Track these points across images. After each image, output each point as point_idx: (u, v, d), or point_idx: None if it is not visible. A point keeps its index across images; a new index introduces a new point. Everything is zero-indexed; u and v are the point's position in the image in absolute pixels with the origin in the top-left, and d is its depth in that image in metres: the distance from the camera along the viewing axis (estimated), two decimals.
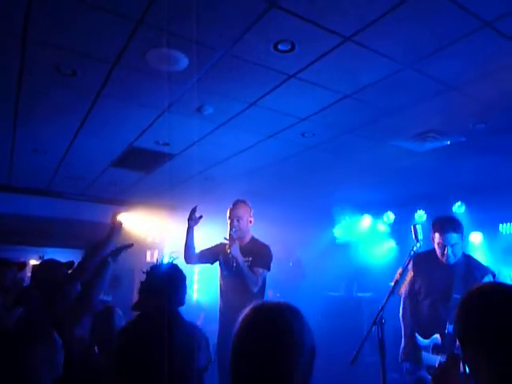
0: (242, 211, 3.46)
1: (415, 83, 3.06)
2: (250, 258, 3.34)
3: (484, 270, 3.14)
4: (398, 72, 2.91)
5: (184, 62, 2.81)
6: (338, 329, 5.38)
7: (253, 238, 3.54)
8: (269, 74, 2.96)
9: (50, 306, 2.47)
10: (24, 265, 3.09)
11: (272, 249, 3.53)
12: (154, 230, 6.32)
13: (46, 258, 3.25)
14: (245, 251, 3.35)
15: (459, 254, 3.15)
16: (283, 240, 6.28)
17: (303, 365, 1.14)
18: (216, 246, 3.65)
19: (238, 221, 3.42)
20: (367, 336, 2.19)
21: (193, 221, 3.62)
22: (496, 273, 3.16)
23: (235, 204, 3.53)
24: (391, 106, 3.48)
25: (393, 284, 2.48)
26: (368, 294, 6.00)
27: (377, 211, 6.81)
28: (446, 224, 3.13)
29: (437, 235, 3.12)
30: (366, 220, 6.97)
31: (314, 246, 6.90)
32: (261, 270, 3.30)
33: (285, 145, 4.40)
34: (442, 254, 3.09)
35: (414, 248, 2.68)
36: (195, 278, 6.92)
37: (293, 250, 7.07)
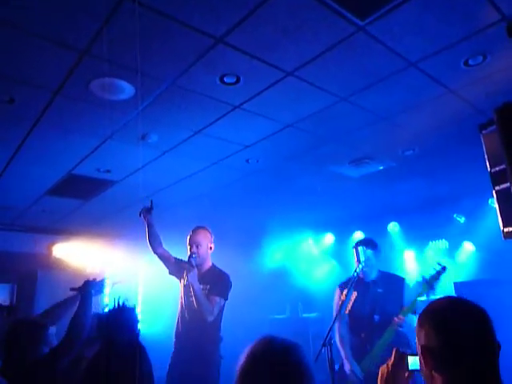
0: (202, 237, 3.36)
1: (350, 114, 3.30)
2: (208, 286, 3.26)
3: (398, 279, 3.40)
4: (334, 104, 3.13)
5: (130, 91, 2.82)
6: None
7: (212, 266, 3.45)
8: (214, 104, 3.04)
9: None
10: None
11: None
12: (94, 260, 6.05)
13: None
14: (203, 279, 3.28)
15: (373, 270, 3.34)
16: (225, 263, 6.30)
17: None
18: (184, 262, 3.34)
19: (197, 247, 3.31)
20: (317, 357, 2.26)
21: (147, 213, 3.37)
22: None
23: (195, 230, 3.41)
24: (329, 135, 3.70)
25: (339, 305, 2.59)
26: (313, 315, 6.14)
27: (317, 232, 7.04)
28: (358, 243, 3.34)
29: (354, 254, 3.23)
30: (308, 241, 7.18)
31: (255, 270, 6.95)
32: (217, 299, 3.21)
33: (230, 171, 4.48)
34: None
35: (357, 269, 2.83)
36: (138, 310, 6.66)
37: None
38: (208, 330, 3.18)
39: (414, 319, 2.94)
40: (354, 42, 2.38)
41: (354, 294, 2.82)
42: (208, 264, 3.42)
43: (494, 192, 2.35)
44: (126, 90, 2.81)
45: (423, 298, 3.15)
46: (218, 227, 6.07)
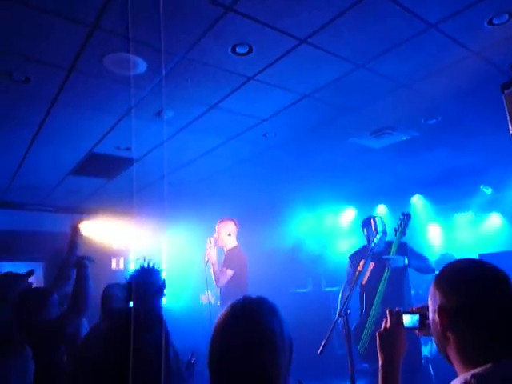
0: (220, 227, 4.20)
1: (369, 82, 3.19)
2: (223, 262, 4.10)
3: (403, 245, 3.57)
4: (352, 72, 3.03)
5: (142, 66, 2.80)
6: (307, 324, 5.46)
7: (233, 247, 4.17)
8: (228, 76, 3.00)
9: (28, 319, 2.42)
10: None
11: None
12: (118, 237, 6.20)
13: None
14: (225, 256, 4.14)
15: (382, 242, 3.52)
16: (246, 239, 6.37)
17: (283, 360, 1.14)
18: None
19: (217, 235, 4.17)
20: (333, 328, 2.25)
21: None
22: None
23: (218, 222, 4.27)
24: (348, 105, 3.61)
25: (355, 275, 2.58)
26: (335, 288, 6.12)
27: (339, 207, 6.98)
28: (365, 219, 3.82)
29: (372, 224, 3.52)
30: (330, 216, 7.14)
31: (277, 244, 6.98)
32: (224, 269, 3.95)
33: (248, 145, 4.45)
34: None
35: (375, 240, 2.80)
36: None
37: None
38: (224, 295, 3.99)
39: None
40: (369, 4, 2.28)
41: (372, 265, 2.80)
42: (229, 245, 4.15)
43: None
44: (139, 64, 2.79)
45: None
46: (238, 203, 6.12)
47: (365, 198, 6.48)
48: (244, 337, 1.13)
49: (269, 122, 3.88)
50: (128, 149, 4.38)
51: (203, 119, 3.72)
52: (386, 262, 3.15)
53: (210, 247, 4.04)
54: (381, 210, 6.57)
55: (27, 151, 4.28)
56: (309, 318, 5.68)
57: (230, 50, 2.65)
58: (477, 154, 5.02)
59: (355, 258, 3.57)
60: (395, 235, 3.40)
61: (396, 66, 2.96)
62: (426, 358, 4.26)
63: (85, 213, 5.85)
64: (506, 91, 2.24)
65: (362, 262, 2.77)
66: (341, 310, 2.27)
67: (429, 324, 1.24)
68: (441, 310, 1.15)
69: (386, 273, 3.19)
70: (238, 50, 2.66)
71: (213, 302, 6.10)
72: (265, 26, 2.44)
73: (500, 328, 1.08)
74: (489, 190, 5.51)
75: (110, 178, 5.28)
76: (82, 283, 2.57)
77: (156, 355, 1.74)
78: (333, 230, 7.08)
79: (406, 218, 3.45)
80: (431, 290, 1.22)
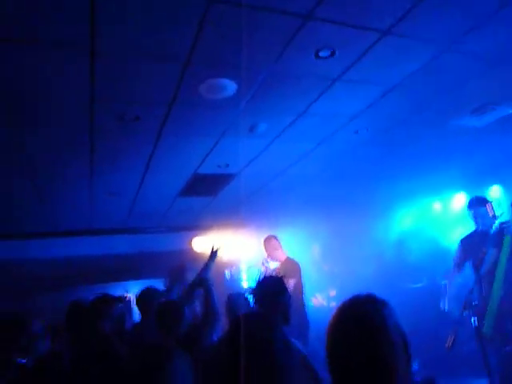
0: (265, 246, 4.79)
1: (458, 64, 3.01)
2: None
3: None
4: (439, 56, 2.88)
5: (232, 87, 2.99)
6: (425, 320, 5.22)
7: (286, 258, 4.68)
8: (313, 81, 3.06)
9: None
10: (122, 298, 3.43)
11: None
12: (228, 249, 6.57)
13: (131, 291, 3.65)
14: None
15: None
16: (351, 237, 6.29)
17: (399, 354, 1.15)
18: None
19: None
20: (459, 322, 2.15)
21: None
22: None
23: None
24: (440, 89, 3.42)
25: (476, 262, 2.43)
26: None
27: (448, 194, 6.55)
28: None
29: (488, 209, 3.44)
30: (437, 204, 6.73)
31: (383, 239, 6.77)
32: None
33: (339, 145, 4.44)
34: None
35: (493, 226, 2.62)
36: None
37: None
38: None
39: None
40: None
41: (495, 251, 2.61)
42: (281, 258, 4.67)
43: None
44: (229, 86, 2.98)
45: None
46: (335, 205, 6.10)
47: (476, 179, 6.00)
48: (357, 336, 1.15)
49: (359, 119, 3.84)
50: (227, 165, 4.65)
51: (294, 127, 3.82)
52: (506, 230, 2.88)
53: (265, 266, 4.57)
54: (495, 191, 6.02)
55: (141, 181, 4.77)
56: (426, 313, 5.41)
57: (313, 56, 2.71)
58: None
59: (467, 241, 3.37)
60: None
61: (486, 43, 2.76)
62: None
63: (196, 230, 6.31)
64: None
65: (484, 250, 2.60)
66: (465, 302, 2.16)
67: None
68: None
69: (506, 242, 2.90)
70: (320, 54, 2.71)
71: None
72: (344, 25, 2.46)
73: None
74: None
75: (214, 194, 5.64)
76: (211, 298, 2.82)
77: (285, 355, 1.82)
78: (444, 217, 6.65)
79: None
80: None
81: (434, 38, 2.68)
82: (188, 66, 2.65)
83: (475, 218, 3.47)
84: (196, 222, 6.89)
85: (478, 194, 6.00)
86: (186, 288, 3.52)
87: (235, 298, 3.13)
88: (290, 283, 4.15)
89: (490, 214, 2.67)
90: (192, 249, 6.94)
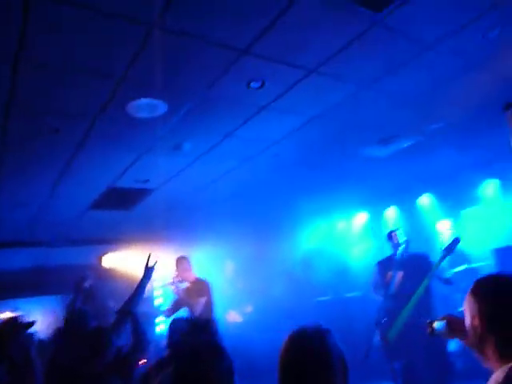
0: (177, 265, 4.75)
1: (372, 100, 3.38)
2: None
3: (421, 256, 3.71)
4: (357, 93, 3.20)
5: (163, 107, 2.99)
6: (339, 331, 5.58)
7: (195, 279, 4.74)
8: (242, 108, 3.19)
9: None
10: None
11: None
12: (143, 265, 6.34)
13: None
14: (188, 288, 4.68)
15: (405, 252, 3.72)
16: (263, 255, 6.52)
17: (339, 379, 1.31)
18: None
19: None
20: (371, 339, 2.40)
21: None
22: None
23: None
24: (354, 121, 3.77)
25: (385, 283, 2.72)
26: (357, 294, 6.21)
27: (351, 212, 7.11)
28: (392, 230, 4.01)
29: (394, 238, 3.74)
30: (342, 221, 7.27)
31: (292, 256, 7.12)
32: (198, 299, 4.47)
33: (261, 166, 4.62)
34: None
35: (400, 250, 2.96)
36: None
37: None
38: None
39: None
40: (371, 35, 2.46)
41: (400, 274, 2.95)
42: (190, 279, 4.69)
43: None
44: (159, 107, 2.98)
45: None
46: (253, 221, 6.27)
47: (375, 201, 6.62)
48: (303, 363, 1.29)
49: (280, 144, 4.05)
50: (146, 181, 4.56)
51: (218, 147, 3.90)
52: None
53: (175, 285, 4.56)
54: (391, 211, 6.71)
55: (52, 192, 4.46)
56: (334, 324, 5.78)
57: (245, 86, 2.84)
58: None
59: (383, 265, 3.71)
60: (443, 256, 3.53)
61: (397, 84, 3.14)
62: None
63: (109, 244, 6.01)
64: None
65: (389, 274, 2.92)
66: (376, 320, 2.42)
67: (455, 329, 1.48)
68: (482, 315, 1.32)
69: (426, 282, 3.36)
70: (251, 85, 2.85)
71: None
72: (277, 62, 2.63)
73: None
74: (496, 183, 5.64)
75: (131, 209, 5.45)
76: (139, 328, 2.74)
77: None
78: (347, 235, 7.22)
79: (457, 241, 3.62)
80: (469, 298, 1.38)
81: (356, 77, 2.97)
82: (122, 83, 2.60)
83: (391, 246, 3.90)
84: (108, 235, 6.56)
85: (378, 213, 6.69)
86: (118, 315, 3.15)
87: (178, 324, 3.02)
88: (201, 301, 4.42)
89: (395, 242, 3.02)
90: (100, 264, 6.59)
